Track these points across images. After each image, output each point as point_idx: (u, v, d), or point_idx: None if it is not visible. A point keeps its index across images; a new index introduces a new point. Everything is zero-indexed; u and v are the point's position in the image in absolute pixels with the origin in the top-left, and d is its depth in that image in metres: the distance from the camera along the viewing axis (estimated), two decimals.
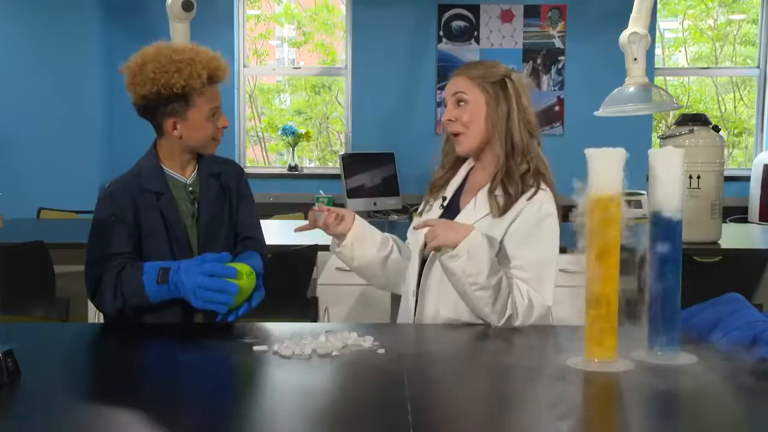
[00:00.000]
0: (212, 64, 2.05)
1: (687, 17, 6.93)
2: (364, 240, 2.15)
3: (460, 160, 2.18)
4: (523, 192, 2.03)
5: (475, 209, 2.07)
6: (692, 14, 6.92)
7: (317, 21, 6.73)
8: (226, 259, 1.97)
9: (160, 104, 2.03)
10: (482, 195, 2.08)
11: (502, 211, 2.02)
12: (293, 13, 6.92)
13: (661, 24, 6.96)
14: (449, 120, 2.08)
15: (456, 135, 2.09)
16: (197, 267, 1.93)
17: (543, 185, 2.05)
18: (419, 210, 2.24)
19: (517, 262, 2.00)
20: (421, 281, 2.11)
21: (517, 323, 1.97)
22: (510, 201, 2.02)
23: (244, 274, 1.96)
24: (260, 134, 6.85)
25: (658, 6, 6.64)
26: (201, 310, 2.03)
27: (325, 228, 2.13)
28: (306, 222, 2.15)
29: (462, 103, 2.07)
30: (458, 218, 2.08)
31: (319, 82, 6.74)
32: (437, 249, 1.96)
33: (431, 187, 2.22)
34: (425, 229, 2.00)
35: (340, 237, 2.15)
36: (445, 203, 2.16)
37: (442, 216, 2.14)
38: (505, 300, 1.94)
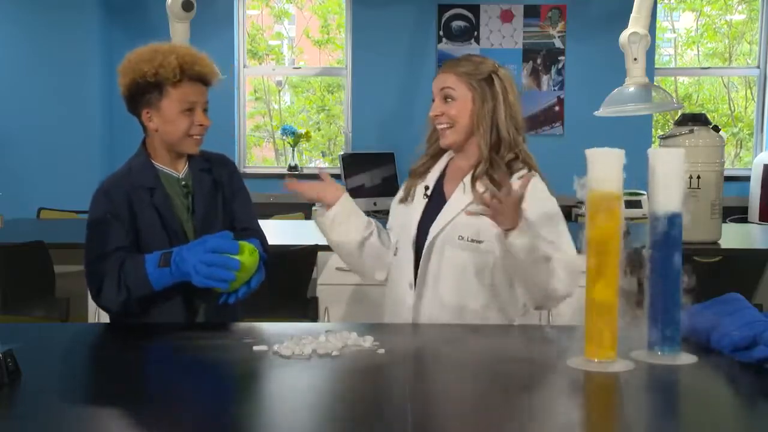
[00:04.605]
0: (187, 58, 2.07)
1: (702, 15, 6.92)
2: (348, 217, 2.15)
3: (442, 150, 2.21)
4: (513, 173, 2.07)
5: (465, 194, 2.09)
6: (708, 12, 6.90)
7: (339, 18, 6.75)
8: (227, 236, 1.98)
9: (137, 94, 2.07)
10: (469, 179, 2.11)
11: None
12: (316, 7, 6.92)
13: (675, 23, 6.96)
14: (436, 115, 2.12)
15: (442, 129, 2.12)
16: (200, 245, 1.94)
17: (533, 172, 2.08)
18: (400, 197, 2.25)
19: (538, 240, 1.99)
20: (419, 272, 2.11)
21: (573, 289, 1.99)
22: (497, 185, 2.04)
23: (247, 250, 1.97)
24: (271, 131, 6.86)
25: (674, 1, 6.63)
26: (202, 304, 2.06)
27: (313, 196, 2.15)
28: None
29: (449, 99, 2.11)
30: (449, 203, 2.11)
31: (334, 82, 6.75)
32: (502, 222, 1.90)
33: (412, 174, 2.25)
34: (417, 218, 2.12)
35: (326, 204, 2.15)
36: (428, 192, 2.18)
37: (428, 205, 2.16)
38: (553, 270, 1.95)
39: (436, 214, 2.12)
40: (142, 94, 2.07)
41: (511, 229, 1.88)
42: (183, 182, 2.15)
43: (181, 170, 2.15)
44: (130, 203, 2.07)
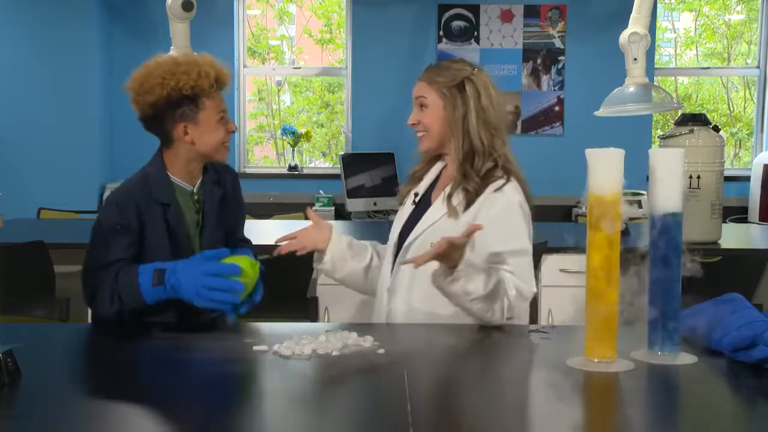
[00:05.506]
0: (216, 66, 2.08)
1: (701, 15, 6.92)
2: (345, 253, 2.19)
3: (436, 157, 2.23)
4: (488, 185, 2.07)
5: (444, 203, 2.11)
6: (706, 12, 6.90)
7: (340, 17, 6.75)
8: (224, 254, 1.98)
9: (169, 109, 2.03)
10: (450, 189, 2.13)
11: (465, 207, 2.06)
12: (316, 6, 6.90)
13: (675, 23, 6.96)
14: (413, 123, 2.16)
15: (419, 136, 2.17)
16: (198, 267, 1.93)
17: (512, 178, 2.09)
18: (399, 201, 2.28)
19: (497, 257, 2.00)
20: (393, 277, 2.13)
21: (512, 315, 1.99)
22: (471, 197, 2.06)
23: (248, 268, 1.97)
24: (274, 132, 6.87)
25: (674, 1, 6.62)
26: (201, 312, 2.04)
27: (302, 249, 2.18)
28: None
29: (423, 107, 2.14)
30: (428, 212, 2.13)
31: (335, 81, 6.74)
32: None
33: (408, 179, 2.28)
34: (401, 223, 2.15)
35: (320, 251, 2.20)
36: (417, 199, 2.20)
37: (414, 211, 2.19)
38: (502, 299, 1.96)
39: (419, 221, 2.13)
40: (175, 108, 2.03)
41: (453, 267, 1.88)
42: (195, 196, 2.14)
43: (195, 183, 2.15)
44: (141, 214, 2.05)
